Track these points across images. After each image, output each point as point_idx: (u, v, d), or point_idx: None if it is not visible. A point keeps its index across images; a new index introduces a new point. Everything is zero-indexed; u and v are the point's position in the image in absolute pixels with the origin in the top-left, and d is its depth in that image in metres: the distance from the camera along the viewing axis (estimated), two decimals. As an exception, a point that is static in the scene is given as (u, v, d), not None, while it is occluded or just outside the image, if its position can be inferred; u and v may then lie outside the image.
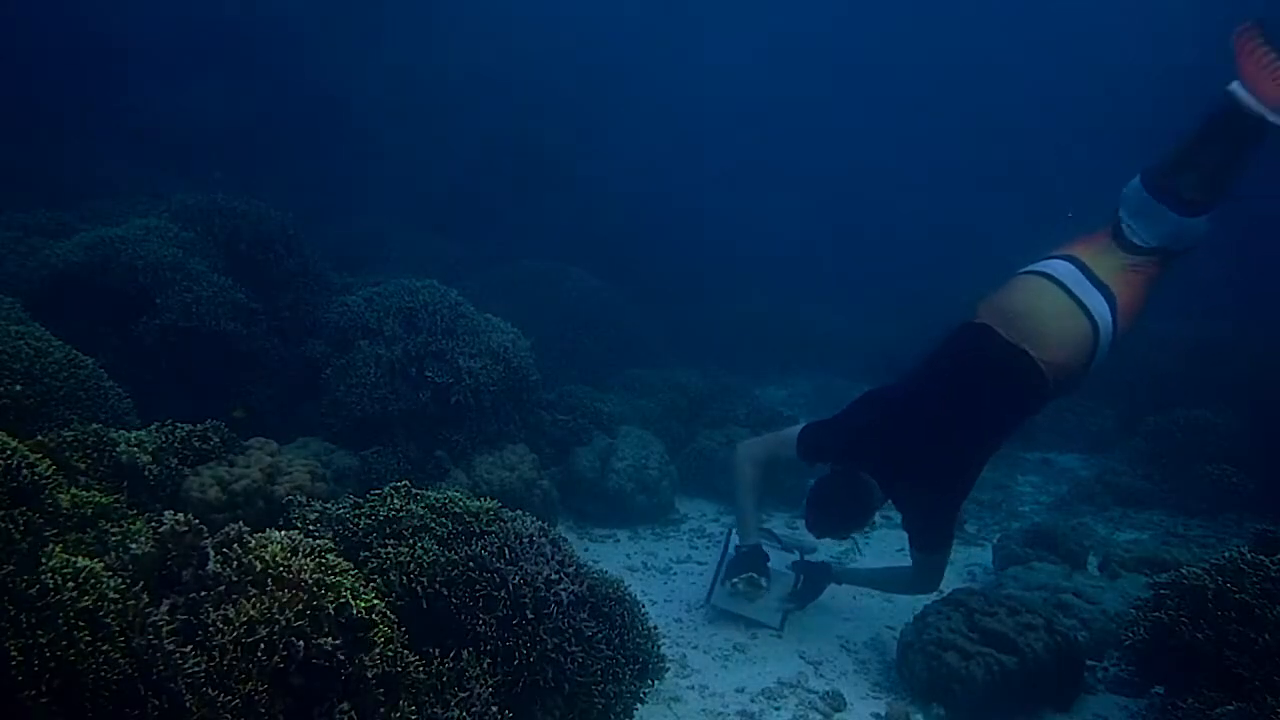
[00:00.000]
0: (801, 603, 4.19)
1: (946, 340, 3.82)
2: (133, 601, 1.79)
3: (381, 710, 2.11)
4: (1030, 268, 3.76)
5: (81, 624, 1.66)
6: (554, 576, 2.65)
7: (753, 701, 3.56)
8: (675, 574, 4.86)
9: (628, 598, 2.98)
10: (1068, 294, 3.58)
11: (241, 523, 2.23)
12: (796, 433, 4.08)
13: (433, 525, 2.68)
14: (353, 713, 2.02)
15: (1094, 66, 19.48)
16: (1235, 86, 3.36)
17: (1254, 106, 3.30)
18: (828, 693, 3.62)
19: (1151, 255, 3.66)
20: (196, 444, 3.37)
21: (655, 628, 3.02)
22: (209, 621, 1.92)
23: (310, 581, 2.08)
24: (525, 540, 2.69)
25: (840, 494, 3.82)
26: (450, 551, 2.58)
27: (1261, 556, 3.04)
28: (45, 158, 9.41)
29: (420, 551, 2.52)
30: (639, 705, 2.87)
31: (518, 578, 2.55)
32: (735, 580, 4.09)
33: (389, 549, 2.55)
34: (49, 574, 1.69)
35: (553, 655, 2.55)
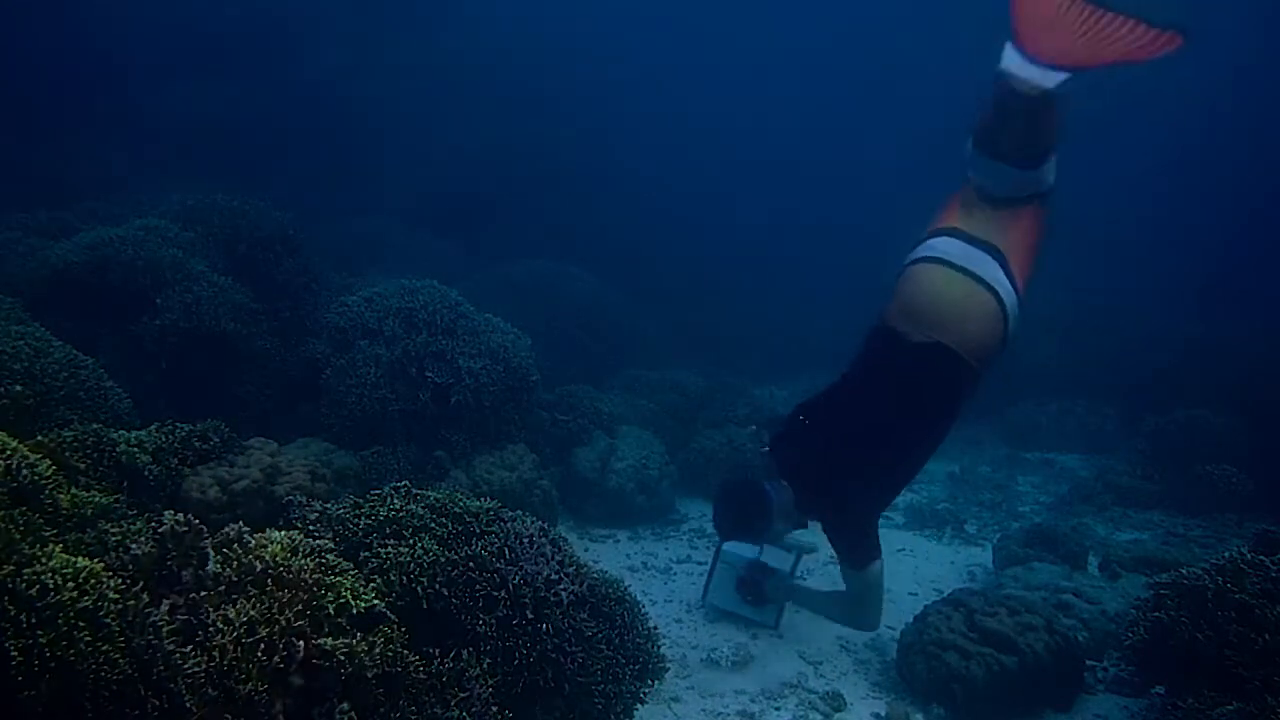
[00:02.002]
0: (760, 603, 4.09)
1: (860, 349, 3.71)
2: (133, 601, 1.79)
3: (381, 710, 2.11)
4: (915, 255, 3.60)
5: (81, 624, 1.66)
6: (554, 576, 2.65)
7: (753, 701, 3.56)
8: (675, 574, 4.86)
9: (628, 598, 2.98)
10: (959, 271, 3.45)
11: (241, 523, 2.23)
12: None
13: (433, 525, 2.68)
14: (353, 713, 2.02)
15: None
16: (1005, 59, 3.19)
17: (1024, 76, 3.15)
18: (828, 693, 3.62)
19: (1016, 202, 3.52)
20: (196, 444, 3.37)
21: (655, 628, 3.02)
22: (209, 621, 1.92)
23: (310, 581, 2.08)
24: (525, 540, 2.69)
25: (732, 502, 3.75)
26: (450, 551, 2.58)
27: (1261, 556, 3.04)
28: (45, 157, 9.42)
29: (420, 551, 2.52)
30: (639, 705, 2.87)
31: (518, 578, 2.55)
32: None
33: (389, 549, 2.54)
34: (49, 574, 1.69)
35: (553, 655, 2.55)
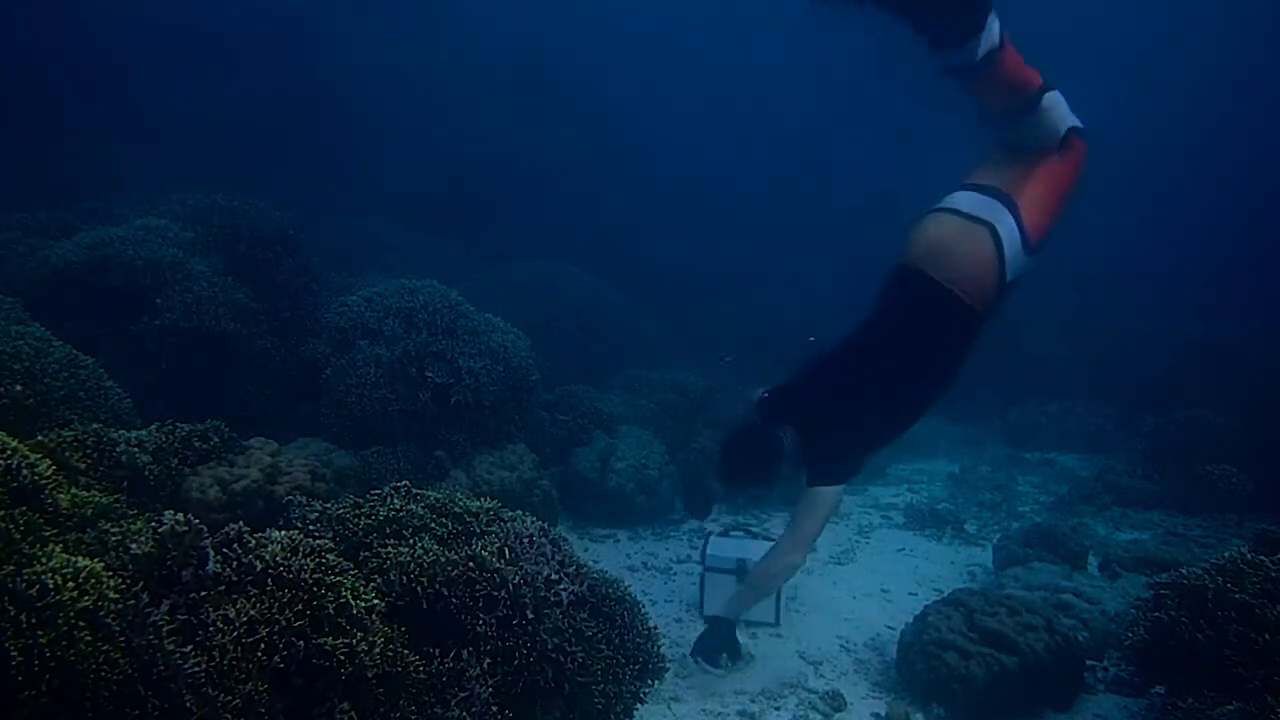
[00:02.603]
0: (708, 658, 3.81)
1: (880, 289, 3.74)
2: (133, 601, 1.79)
3: (381, 710, 2.11)
4: (937, 206, 3.63)
5: (81, 624, 1.66)
6: (554, 576, 2.65)
7: (753, 701, 3.55)
8: (675, 574, 4.86)
9: (628, 598, 2.98)
10: (959, 214, 3.47)
11: (241, 523, 2.23)
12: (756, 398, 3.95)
13: (433, 525, 2.68)
14: (353, 713, 2.02)
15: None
16: None
17: None
18: (828, 693, 3.62)
19: (1047, 151, 3.48)
20: (196, 444, 3.37)
21: (655, 628, 3.02)
22: (209, 621, 1.92)
23: (310, 581, 2.08)
24: (525, 540, 2.69)
25: (745, 448, 3.76)
26: (450, 551, 2.58)
27: (1261, 556, 3.04)
28: (45, 157, 9.41)
29: (420, 551, 2.52)
30: (639, 705, 2.87)
31: (518, 578, 2.55)
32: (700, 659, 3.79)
33: (389, 549, 2.54)
34: (49, 574, 1.69)
35: (553, 655, 2.55)
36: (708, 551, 4.30)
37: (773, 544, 4.12)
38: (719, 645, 3.74)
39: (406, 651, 2.22)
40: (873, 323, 3.65)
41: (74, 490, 2.42)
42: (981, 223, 3.41)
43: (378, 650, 2.10)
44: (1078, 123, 3.45)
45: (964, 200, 3.51)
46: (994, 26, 3.22)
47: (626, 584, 3.05)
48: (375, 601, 2.22)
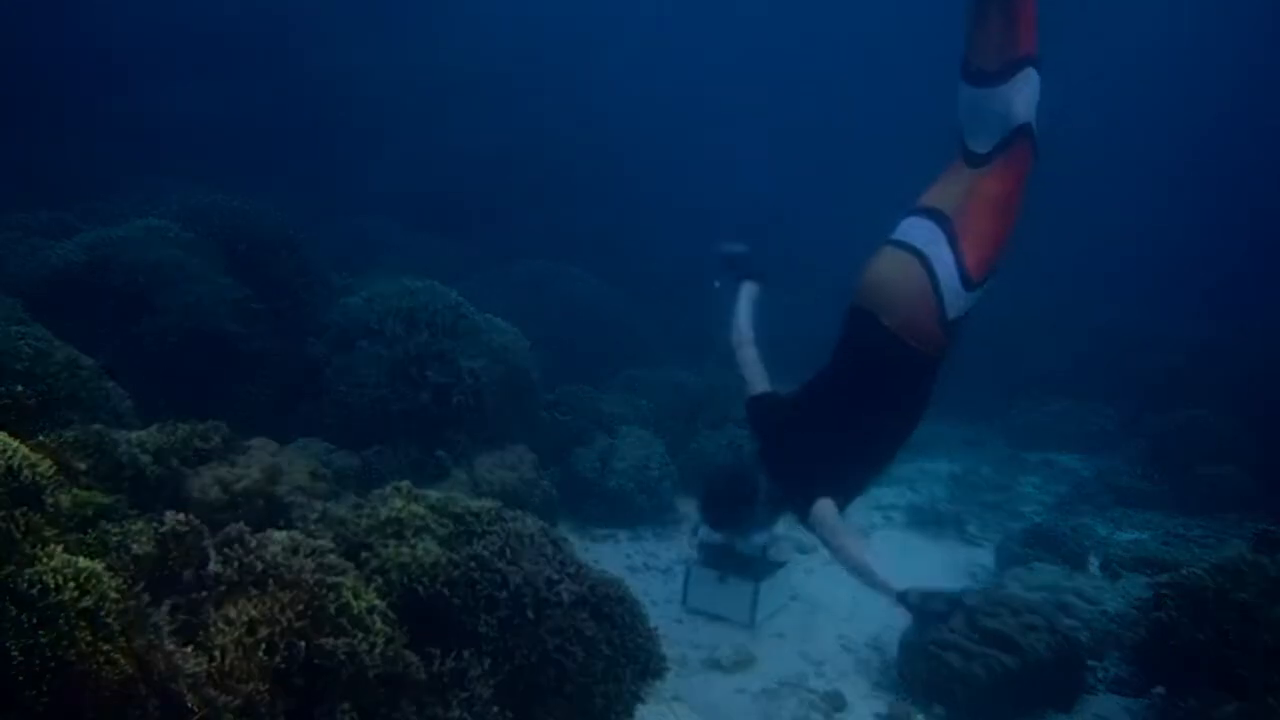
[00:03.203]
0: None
1: (840, 329, 3.57)
2: (133, 601, 1.79)
3: (383, 710, 2.11)
4: (888, 237, 3.45)
5: (82, 624, 1.65)
6: (555, 576, 2.65)
7: (753, 701, 3.55)
8: (676, 574, 4.86)
9: (628, 598, 2.98)
10: (903, 247, 3.27)
11: (242, 523, 2.23)
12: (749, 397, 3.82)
13: (434, 525, 2.68)
14: (354, 713, 2.02)
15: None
16: None
17: None
18: (828, 693, 3.62)
19: (991, 157, 3.26)
20: (197, 444, 3.36)
21: (655, 628, 3.02)
22: (209, 621, 1.92)
23: (311, 581, 2.07)
24: (526, 540, 2.69)
25: (724, 489, 3.68)
26: (451, 551, 2.58)
27: (1261, 556, 3.05)
28: (46, 158, 9.41)
29: (421, 552, 2.52)
30: (639, 705, 2.87)
31: (519, 578, 2.55)
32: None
33: (390, 549, 2.54)
34: (50, 574, 1.69)
35: (554, 655, 2.55)
36: (700, 538, 4.30)
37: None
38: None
39: (408, 651, 2.22)
40: (831, 366, 3.52)
41: (75, 490, 2.42)
42: (918, 256, 3.22)
43: (379, 650, 2.10)
44: (1032, 121, 3.18)
45: (908, 230, 3.32)
46: None
47: (627, 584, 3.04)
48: (376, 601, 2.22)
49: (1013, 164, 3.21)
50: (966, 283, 3.17)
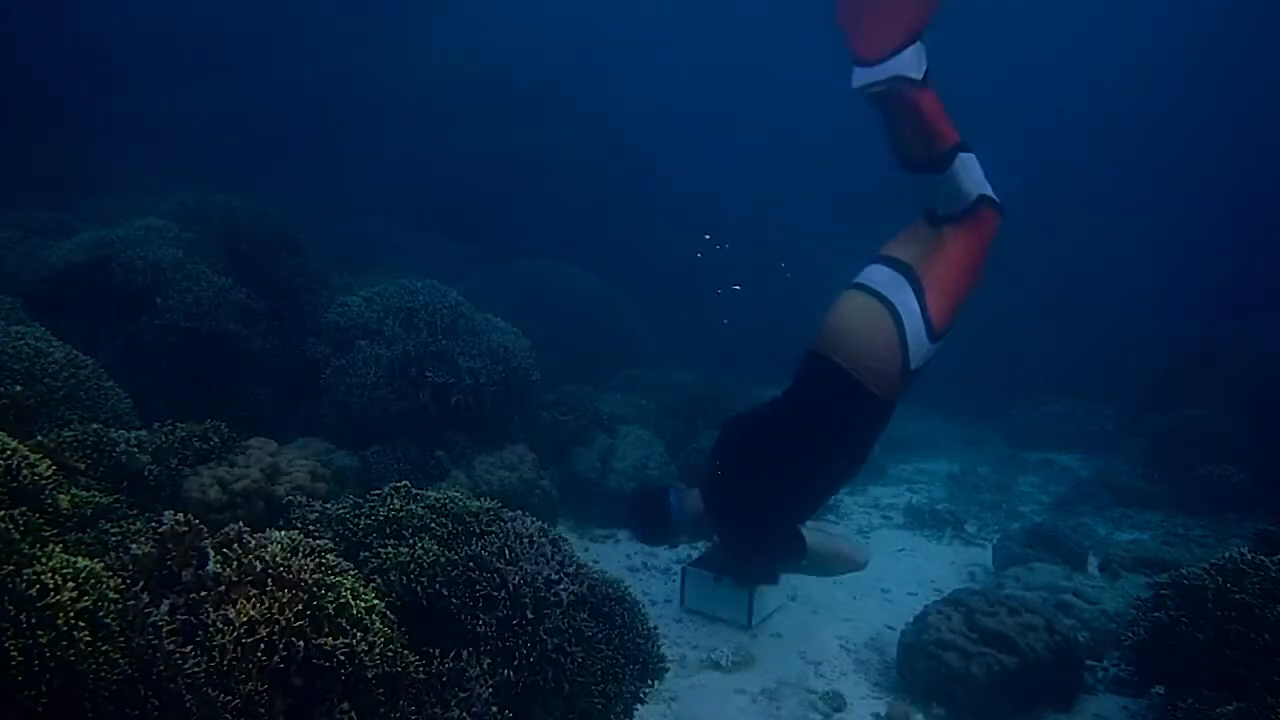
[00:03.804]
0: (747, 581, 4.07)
1: (799, 365, 3.61)
2: (133, 601, 1.79)
3: (381, 710, 2.11)
4: (852, 281, 3.53)
5: (81, 624, 1.66)
6: (554, 576, 2.65)
7: (753, 702, 3.56)
8: (675, 574, 4.86)
9: (628, 598, 2.98)
10: (871, 293, 3.34)
11: (241, 523, 2.23)
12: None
13: (433, 525, 2.68)
14: (353, 713, 2.02)
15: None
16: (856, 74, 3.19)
17: (866, 79, 3.17)
18: (828, 693, 3.62)
19: (954, 219, 3.36)
20: (196, 444, 3.37)
21: (655, 628, 3.02)
22: (209, 621, 1.92)
23: (310, 581, 2.08)
24: (525, 540, 2.69)
25: (636, 506, 3.85)
26: (450, 551, 2.58)
27: (1261, 556, 3.05)
28: (45, 157, 9.41)
29: (420, 552, 2.52)
30: (639, 705, 2.87)
31: (518, 578, 2.55)
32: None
33: (389, 549, 2.54)
34: (49, 574, 1.69)
35: (553, 655, 2.55)
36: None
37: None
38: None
39: (406, 651, 2.23)
40: (786, 400, 3.55)
41: (74, 490, 2.42)
42: (885, 304, 3.29)
43: (378, 650, 2.10)
44: (990, 192, 3.29)
45: (873, 275, 3.39)
46: (920, 57, 3.18)
47: (626, 584, 3.05)
48: (375, 602, 2.22)
49: (977, 225, 3.30)
50: (931, 333, 3.25)
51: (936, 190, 3.34)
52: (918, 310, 3.25)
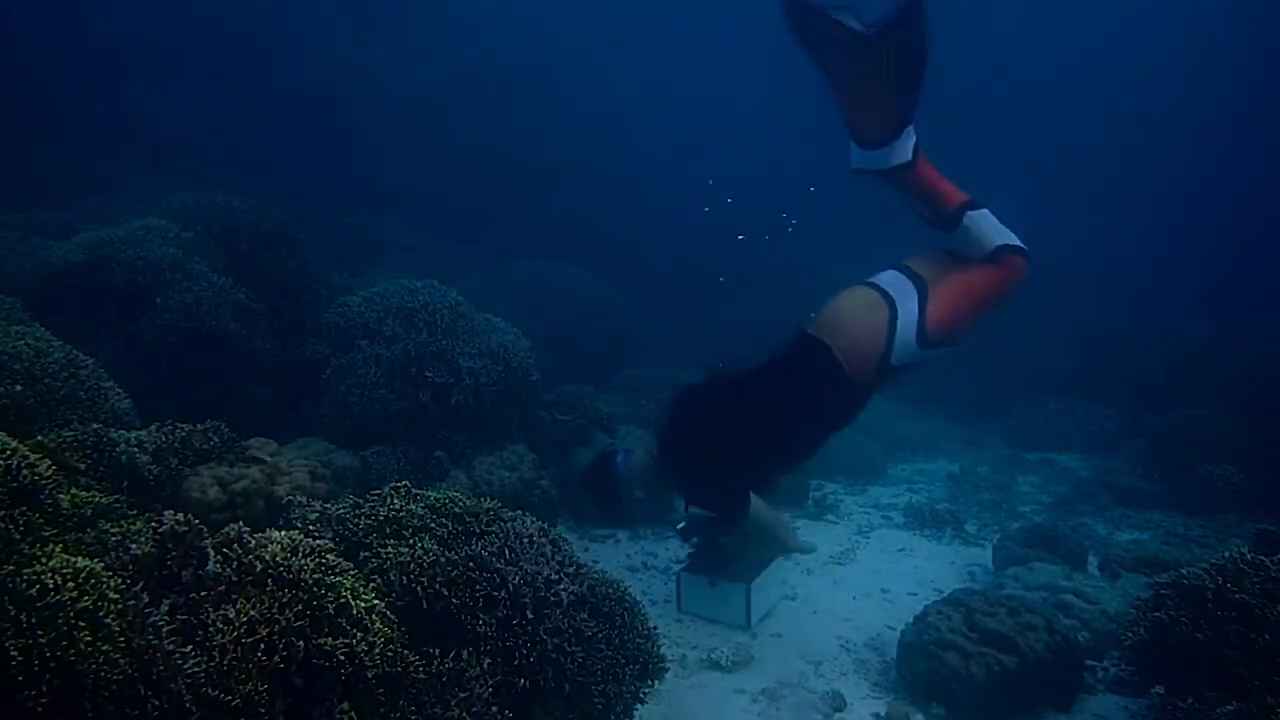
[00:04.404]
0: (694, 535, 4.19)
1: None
2: (133, 601, 1.79)
3: (381, 710, 2.11)
4: (864, 279, 3.65)
5: (81, 624, 1.66)
6: (554, 576, 2.65)
7: (753, 701, 3.55)
8: (675, 574, 4.86)
9: (628, 598, 2.98)
10: (877, 290, 3.47)
11: (241, 523, 2.23)
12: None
13: (433, 525, 2.68)
14: (352, 713, 2.02)
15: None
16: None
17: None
18: (828, 693, 3.62)
19: (954, 248, 3.46)
20: (196, 444, 3.37)
21: (655, 628, 3.02)
22: (209, 621, 1.92)
23: (310, 581, 2.08)
24: (525, 540, 2.69)
25: (593, 481, 4.02)
26: (450, 552, 2.58)
27: (1261, 556, 3.05)
28: (45, 158, 9.42)
29: (420, 552, 2.52)
30: (639, 705, 2.87)
31: (518, 578, 2.55)
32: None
33: (389, 549, 2.55)
34: (49, 574, 1.69)
35: (553, 655, 2.55)
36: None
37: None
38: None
39: (406, 652, 2.23)
40: (761, 368, 3.65)
41: (74, 490, 2.42)
42: (887, 299, 3.40)
43: (378, 650, 2.10)
44: (1012, 241, 3.36)
45: (885, 277, 3.52)
46: (910, 138, 3.27)
47: (626, 584, 3.05)
48: (375, 602, 2.22)
49: (998, 267, 3.39)
50: (922, 339, 3.35)
51: (952, 242, 3.45)
52: (915, 313, 3.35)
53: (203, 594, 1.98)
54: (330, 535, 2.60)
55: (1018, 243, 3.36)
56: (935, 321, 3.35)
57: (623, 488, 3.86)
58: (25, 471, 2.13)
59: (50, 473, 2.24)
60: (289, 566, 2.08)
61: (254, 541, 2.16)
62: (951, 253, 3.47)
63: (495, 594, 2.51)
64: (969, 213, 3.35)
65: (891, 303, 3.38)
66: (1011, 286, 3.44)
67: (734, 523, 3.89)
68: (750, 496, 3.82)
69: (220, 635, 1.90)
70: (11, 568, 1.67)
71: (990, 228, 3.36)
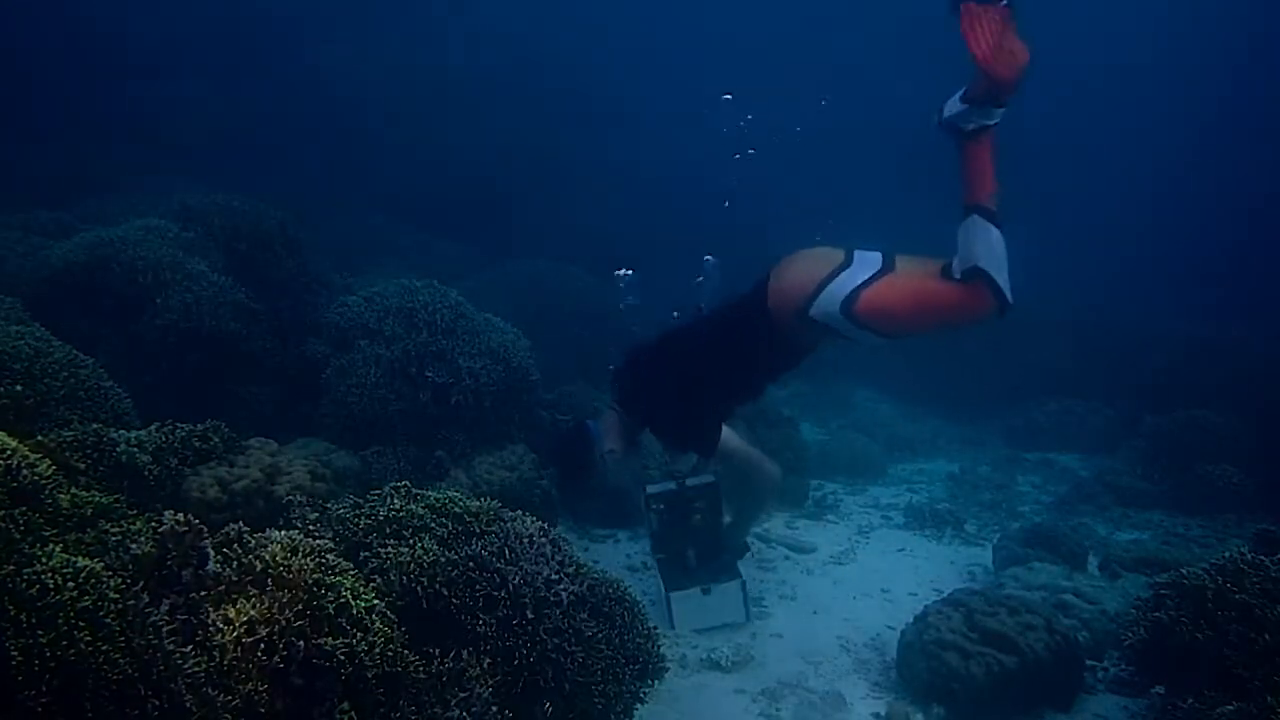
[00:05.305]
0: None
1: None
2: (133, 601, 1.79)
3: (381, 710, 2.11)
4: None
5: (81, 624, 1.66)
6: (554, 576, 2.65)
7: (753, 701, 3.56)
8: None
9: (628, 598, 2.98)
10: (846, 254, 3.50)
11: (241, 523, 2.23)
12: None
13: (433, 525, 2.68)
14: (352, 713, 2.02)
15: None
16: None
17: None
18: (828, 693, 3.62)
19: (956, 278, 3.33)
20: (196, 444, 3.37)
21: (655, 628, 3.02)
22: (209, 621, 1.92)
23: (310, 581, 2.08)
24: (525, 540, 2.69)
25: (563, 452, 4.19)
26: (450, 551, 2.58)
27: (1261, 556, 3.04)
28: (45, 157, 9.42)
29: (420, 551, 2.52)
30: (639, 705, 2.87)
31: (518, 578, 2.55)
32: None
33: (389, 549, 2.55)
34: (49, 574, 1.69)
35: (553, 655, 2.55)
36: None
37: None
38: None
39: (406, 651, 2.23)
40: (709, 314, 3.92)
41: (74, 490, 2.42)
42: (843, 263, 3.44)
43: (378, 650, 2.10)
44: (994, 275, 3.20)
45: (866, 250, 3.52)
46: (997, 114, 3.19)
47: (626, 584, 3.05)
48: (375, 601, 2.22)
49: (962, 290, 3.29)
50: (846, 309, 3.38)
51: (960, 236, 3.34)
52: (855, 283, 3.38)
53: (203, 594, 1.98)
54: (330, 535, 2.60)
55: (999, 280, 3.19)
56: (868, 300, 3.35)
57: (596, 448, 3.99)
58: (25, 471, 2.13)
59: (50, 473, 2.24)
60: (289, 566, 2.08)
61: (254, 541, 2.16)
62: (946, 266, 3.37)
63: (495, 594, 2.51)
64: (976, 216, 3.24)
65: (842, 266, 3.43)
66: (965, 313, 3.33)
67: (707, 454, 4.03)
68: (720, 429, 3.98)
69: (220, 635, 1.90)
70: (11, 568, 1.67)
71: (985, 246, 3.21)
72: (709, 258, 4.52)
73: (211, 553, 2.05)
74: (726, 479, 4.33)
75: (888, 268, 3.41)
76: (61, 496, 2.28)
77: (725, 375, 3.80)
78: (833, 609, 4.45)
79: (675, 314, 4.20)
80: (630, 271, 4.70)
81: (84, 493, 2.44)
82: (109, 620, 1.71)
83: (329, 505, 2.96)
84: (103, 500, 2.46)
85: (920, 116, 3.38)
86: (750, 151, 5.77)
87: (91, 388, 3.64)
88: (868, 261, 3.44)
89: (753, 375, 3.86)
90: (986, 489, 6.61)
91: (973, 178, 3.27)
